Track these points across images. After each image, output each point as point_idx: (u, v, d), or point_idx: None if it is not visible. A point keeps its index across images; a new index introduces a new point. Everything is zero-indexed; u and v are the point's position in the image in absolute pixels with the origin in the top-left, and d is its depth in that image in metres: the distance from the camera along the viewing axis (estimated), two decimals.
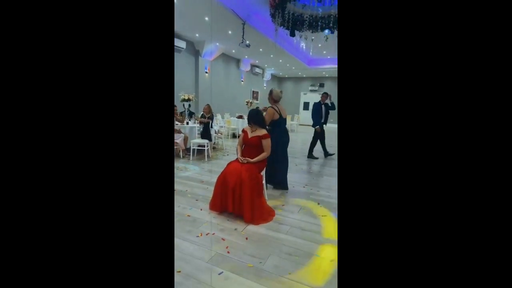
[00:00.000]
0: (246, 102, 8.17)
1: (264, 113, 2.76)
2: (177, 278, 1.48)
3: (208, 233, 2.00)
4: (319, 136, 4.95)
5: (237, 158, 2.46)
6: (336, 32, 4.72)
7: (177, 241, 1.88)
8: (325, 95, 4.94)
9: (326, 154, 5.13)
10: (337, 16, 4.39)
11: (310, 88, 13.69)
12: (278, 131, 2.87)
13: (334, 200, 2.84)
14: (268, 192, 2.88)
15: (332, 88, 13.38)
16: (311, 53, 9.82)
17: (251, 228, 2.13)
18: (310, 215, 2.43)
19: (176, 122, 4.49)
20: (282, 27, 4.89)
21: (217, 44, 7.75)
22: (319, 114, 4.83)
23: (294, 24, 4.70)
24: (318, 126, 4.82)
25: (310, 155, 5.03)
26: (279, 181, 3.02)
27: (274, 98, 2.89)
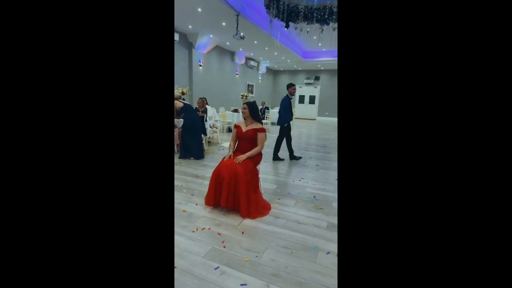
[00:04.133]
0: (241, 95, 8.10)
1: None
2: None
3: (204, 228, 1.99)
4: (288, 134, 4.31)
5: (228, 155, 2.38)
6: (331, 24, 4.67)
7: None
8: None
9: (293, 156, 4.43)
10: (332, 7, 4.32)
11: (305, 81, 13.63)
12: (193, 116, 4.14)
13: (330, 193, 2.85)
14: (264, 186, 2.87)
15: (327, 81, 13.35)
16: (306, 46, 9.73)
17: (247, 222, 2.12)
18: (306, 208, 2.43)
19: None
20: (277, 18, 4.80)
21: (211, 36, 7.60)
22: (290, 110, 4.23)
23: (289, 16, 4.62)
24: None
25: (277, 157, 4.35)
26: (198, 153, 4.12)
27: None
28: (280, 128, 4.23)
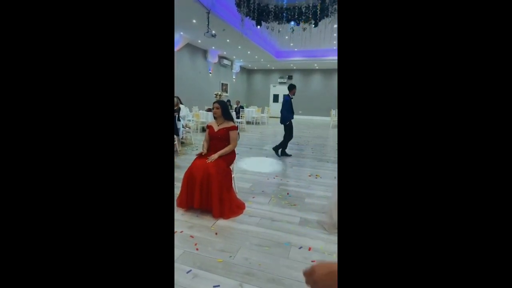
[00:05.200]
0: (215, 94, 7.97)
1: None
2: None
3: (176, 231, 1.93)
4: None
5: (200, 153, 2.40)
6: (301, 25, 4.78)
7: None
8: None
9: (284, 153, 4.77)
10: (301, 8, 4.43)
11: (279, 80, 13.83)
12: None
13: (303, 190, 2.92)
14: (239, 185, 2.86)
15: (300, 80, 13.68)
16: (278, 46, 9.87)
17: (221, 222, 2.10)
18: (280, 206, 2.47)
19: None
20: (248, 17, 4.80)
21: (181, 33, 7.37)
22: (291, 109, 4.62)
23: (260, 15, 4.64)
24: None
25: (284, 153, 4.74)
26: None
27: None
28: (285, 127, 4.64)
